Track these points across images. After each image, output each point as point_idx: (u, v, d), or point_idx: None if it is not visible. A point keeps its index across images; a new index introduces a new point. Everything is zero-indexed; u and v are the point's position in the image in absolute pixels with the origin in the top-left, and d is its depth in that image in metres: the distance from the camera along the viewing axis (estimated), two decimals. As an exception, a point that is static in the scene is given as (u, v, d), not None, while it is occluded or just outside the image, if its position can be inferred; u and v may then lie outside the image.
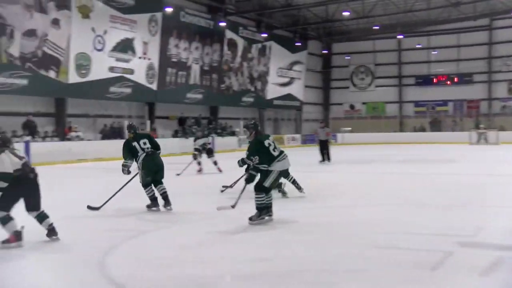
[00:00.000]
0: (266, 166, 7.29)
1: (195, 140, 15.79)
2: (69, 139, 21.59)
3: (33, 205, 6.10)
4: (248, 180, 7.52)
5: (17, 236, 5.91)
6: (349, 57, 42.29)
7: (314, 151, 20.27)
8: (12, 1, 19.62)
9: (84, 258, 5.59)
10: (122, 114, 24.76)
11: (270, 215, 7.34)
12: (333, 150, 19.00)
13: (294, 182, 9.83)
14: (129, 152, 8.41)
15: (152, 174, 8.37)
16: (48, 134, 21.36)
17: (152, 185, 8.43)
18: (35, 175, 6.10)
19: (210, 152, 15.53)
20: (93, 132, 23.85)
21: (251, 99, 34.10)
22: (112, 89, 24.12)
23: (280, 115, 38.76)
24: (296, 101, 39.25)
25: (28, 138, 19.48)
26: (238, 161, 7.52)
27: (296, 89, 38.95)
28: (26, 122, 20.47)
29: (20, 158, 6.10)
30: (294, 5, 32.41)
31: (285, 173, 8.04)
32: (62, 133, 21.83)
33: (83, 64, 22.56)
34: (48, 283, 4.83)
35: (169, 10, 26.05)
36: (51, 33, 21.06)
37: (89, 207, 8.49)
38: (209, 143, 16.11)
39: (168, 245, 6.27)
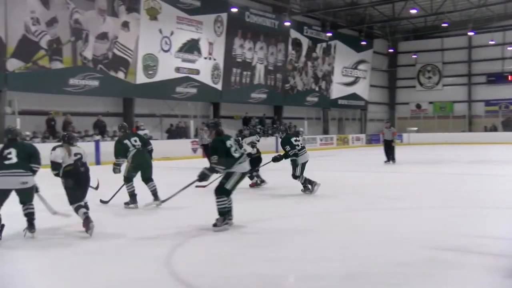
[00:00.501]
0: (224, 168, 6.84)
1: (242, 139, 15.83)
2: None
3: (79, 196, 6.74)
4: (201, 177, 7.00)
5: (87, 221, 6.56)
6: (416, 56, 41.10)
7: (378, 151, 19.86)
8: (89, 7, 20.47)
9: (151, 255, 5.60)
10: (188, 114, 25.10)
11: (230, 219, 6.96)
12: (399, 150, 18.50)
13: (304, 182, 10.22)
14: (121, 150, 8.77)
15: (142, 170, 8.80)
16: (117, 134, 21.89)
17: (145, 183, 8.82)
18: (86, 170, 6.78)
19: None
20: (160, 131, 24.33)
21: (315, 99, 33.78)
22: (178, 89, 24.53)
23: (344, 115, 38.18)
24: (361, 100, 38.56)
25: (98, 137, 20.12)
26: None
27: (361, 89, 38.28)
28: (96, 122, 21.14)
29: (75, 155, 6.75)
30: (359, 4, 31.83)
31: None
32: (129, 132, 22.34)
33: (150, 65, 23.08)
34: (117, 279, 4.86)
35: (234, 10, 26.23)
36: (121, 36, 21.70)
37: (102, 201, 9.02)
38: (257, 141, 16.08)
39: (232, 244, 6.23)
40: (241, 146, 7.42)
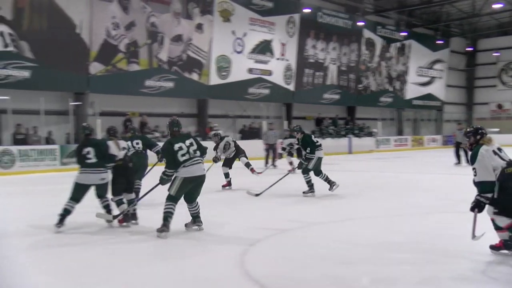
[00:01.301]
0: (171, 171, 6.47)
1: (284, 139, 15.58)
2: (210, 139, 22.25)
3: (126, 189, 7.19)
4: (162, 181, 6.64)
5: (125, 217, 6.93)
6: (497, 53, 39.03)
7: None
8: (164, 10, 20.93)
9: (222, 255, 5.56)
10: (260, 115, 25.06)
11: (199, 225, 6.68)
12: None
13: (326, 179, 10.02)
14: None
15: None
16: (191, 134, 22.18)
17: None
18: (133, 164, 7.43)
19: (298, 152, 14.57)
20: (233, 132, 24.42)
21: (389, 99, 32.85)
22: (251, 90, 24.57)
23: (419, 116, 36.86)
24: (437, 101, 37.12)
25: (173, 137, 20.39)
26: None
27: (437, 89, 36.84)
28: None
29: (122, 148, 7.35)
30: (436, 1, 30.62)
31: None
32: (203, 133, 22.61)
33: (223, 66, 23.26)
34: (190, 278, 4.81)
35: (307, 11, 25.98)
36: (195, 37, 22.01)
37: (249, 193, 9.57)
38: (296, 144, 15.61)
39: (304, 245, 6.02)
40: (201, 149, 6.60)
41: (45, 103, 16.59)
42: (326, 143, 25.89)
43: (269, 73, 25.27)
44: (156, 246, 5.99)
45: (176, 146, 6.35)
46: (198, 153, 6.48)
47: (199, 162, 6.46)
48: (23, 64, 16.96)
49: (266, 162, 17.42)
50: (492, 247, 5.20)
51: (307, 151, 9.89)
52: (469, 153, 5.37)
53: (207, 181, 6.66)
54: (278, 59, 25.65)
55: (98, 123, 17.98)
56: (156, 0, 20.64)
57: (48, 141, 17.30)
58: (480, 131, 5.28)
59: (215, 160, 11.31)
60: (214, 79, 22.93)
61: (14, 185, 12.68)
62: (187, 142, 6.43)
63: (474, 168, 5.10)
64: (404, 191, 10.99)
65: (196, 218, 6.67)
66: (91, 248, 5.87)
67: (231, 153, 11.49)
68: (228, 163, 11.47)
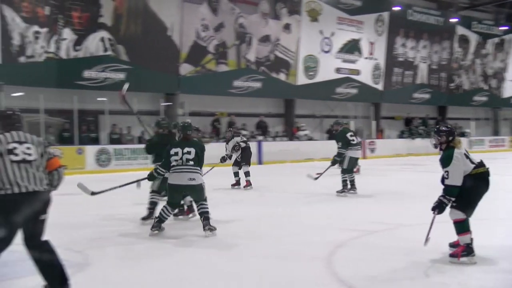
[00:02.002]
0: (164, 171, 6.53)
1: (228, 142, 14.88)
2: (297, 139, 22.10)
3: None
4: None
5: (189, 208, 7.44)
6: None
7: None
8: (252, 11, 20.99)
9: (311, 255, 5.39)
10: (348, 115, 24.48)
11: (205, 228, 6.31)
12: None
13: (346, 181, 9.84)
14: None
15: None
16: (278, 134, 22.13)
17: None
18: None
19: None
20: (320, 132, 24.06)
21: (484, 98, 30.93)
22: (339, 89, 24.07)
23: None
24: (539, 99, 34.56)
25: (260, 137, 20.44)
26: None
27: (539, 87, 34.28)
28: (258, 123, 21.52)
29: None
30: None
31: None
32: (290, 133, 22.44)
33: (311, 66, 22.94)
34: (279, 278, 4.68)
35: (396, 9, 25.05)
36: (282, 38, 21.87)
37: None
38: (240, 143, 15.02)
39: (393, 248, 5.70)
40: (199, 162, 6.40)
41: (138, 104, 17.04)
42: (416, 143, 25.06)
43: (357, 72, 24.65)
44: (247, 247, 5.84)
45: (173, 150, 6.31)
46: (191, 162, 6.29)
47: (185, 171, 6.26)
48: (119, 67, 17.59)
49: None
50: (452, 256, 4.99)
51: (338, 145, 9.81)
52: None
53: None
54: (366, 58, 24.94)
55: (232, 127, 18.26)
56: (244, 1, 20.76)
57: (141, 140, 17.82)
58: (454, 132, 5.17)
59: (222, 160, 11.23)
60: (302, 79, 22.67)
61: (111, 182, 13.04)
62: (186, 149, 6.30)
63: (447, 171, 4.93)
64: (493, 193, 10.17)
65: (201, 217, 6.40)
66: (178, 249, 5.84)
67: (238, 156, 11.41)
68: (238, 163, 11.45)
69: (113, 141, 17.10)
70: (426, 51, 27.51)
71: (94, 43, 17.11)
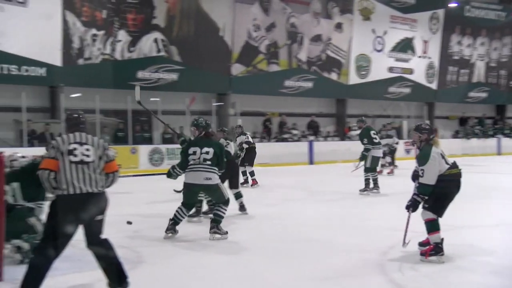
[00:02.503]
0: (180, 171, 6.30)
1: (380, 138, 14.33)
2: (349, 139, 21.66)
3: (234, 183, 7.68)
4: None
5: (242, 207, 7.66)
6: None
7: None
8: (304, 11, 20.73)
9: (361, 258, 5.21)
10: (401, 114, 23.80)
11: (212, 231, 6.08)
12: None
13: (368, 180, 9.84)
14: None
15: None
16: (330, 134, 21.77)
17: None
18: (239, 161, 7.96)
19: (392, 153, 14.56)
20: (372, 131, 23.49)
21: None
22: (391, 89, 23.49)
23: None
24: None
25: (311, 137, 20.16)
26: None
27: None
28: (310, 123, 21.24)
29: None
30: None
31: None
32: (342, 133, 22.04)
33: (363, 66, 22.48)
34: (326, 279, 4.54)
35: (452, 5, 24.16)
36: (334, 37, 21.51)
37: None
38: (395, 144, 14.84)
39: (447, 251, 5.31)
40: (218, 163, 6.11)
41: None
42: (471, 143, 24.12)
43: (410, 71, 23.97)
44: (295, 250, 5.61)
45: (191, 150, 6.10)
46: (209, 162, 6.03)
47: (202, 170, 6.01)
48: (172, 67, 17.74)
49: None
50: (422, 254, 4.97)
51: (364, 142, 9.92)
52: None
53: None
54: (419, 57, 24.21)
55: (239, 122, 18.23)
56: (296, 0, 20.53)
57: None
58: (434, 130, 5.17)
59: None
60: (354, 79, 22.24)
61: (164, 181, 13.13)
62: (205, 149, 6.05)
63: (422, 169, 4.87)
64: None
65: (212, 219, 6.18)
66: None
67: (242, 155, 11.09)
68: (242, 162, 11.06)
69: (165, 141, 17.24)
70: (484, 48, 26.42)
71: (148, 44, 17.33)
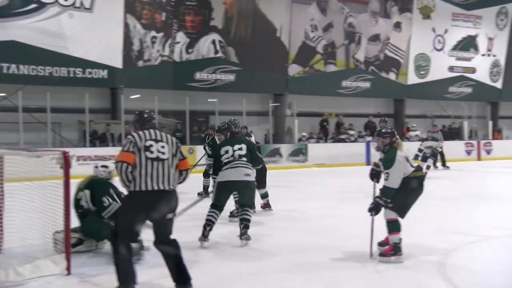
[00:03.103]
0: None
1: (422, 141, 13.52)
2: (407, 139, 20.94)
3: (260, 183, 7.17)
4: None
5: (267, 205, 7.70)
6: None
7: None
8: (362, 10, 20.21)
9: (424, 260, 4.95)
10: (461, 115, 22.80)
11: (246, 238, 5.57)
12: None
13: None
14: None
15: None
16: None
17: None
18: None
19: (434, 156, 13.38)
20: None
21: None
22: (451, 89, 22.56)
23: None
24: None
25: (369, 138, 19.57)
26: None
27: None
28: (367, 123, 20.64)
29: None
30: None
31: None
32: (400, 133, 21.30)
33: (422, 65, 21.70)
34: (391, 281, 4.38)
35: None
36: (392, 36, 20.86)
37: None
38: (439, 148, 13.66)
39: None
40: (253, 159, 5.71)
41: (246, 104, 17.00)
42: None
43: (472, 70, 22.91)
44: (361, 248, 5.27)
45: (223, 149, 5.67)
46: (244, 158, 5.62)
47: (241, 166, 5.58)
48: (229, 68, 17.64)
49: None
50: (382, 254, 4.89)
51: None
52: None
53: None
54: (483, 55, 23.08)
55: (296, 123, 17.97)
56: (354, 0, 20.01)
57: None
58: (396, 133, 5.10)
59: None
60: (412, 78, 21.49)
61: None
62: (236, 146, 5.66)
63: (387, 173, 4.81)
64: None
65: (241, 224, 5.64)
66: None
67: None
68: None
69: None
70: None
71: (206, 46, 17.29)
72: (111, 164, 5.26)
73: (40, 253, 4.67)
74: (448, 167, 15.38)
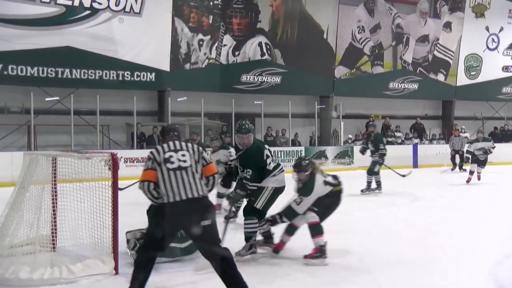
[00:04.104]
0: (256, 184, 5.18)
1: (471, 143, 12.84)
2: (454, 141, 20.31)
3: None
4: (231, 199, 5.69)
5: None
6: None
7: None
8: (410, 11, 19.81)
9: (474, 265, 4.95)
10: (515, 117, 22.04)
11: (271, 245, 5.38)
12: None
13: None
14: None
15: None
16: (435, 137, 20.54)
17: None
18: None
19: (481, 163, 12.26)
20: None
21: None
22: (505, 89, 21.78)
23: None
24: None
25: (416, 140, 19.15)
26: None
27: None
28: (414, 125, 20.20)
29: None
30: None
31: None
32: (448, 135, 20.72)
33: (473, 66, 21.04)
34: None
35: None
36: (442, 37, 20.35)
37: None
38: (492, 148, 12.42)
39: None
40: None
41: (292, 106, 16.93)
42: None
43: (529, 69, 22.06)
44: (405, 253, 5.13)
45: (266, 153, 5.20)
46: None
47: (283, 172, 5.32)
48: (275, 70, 17.60)
49: (453, 165, 16.30)
50: (306, 256, 4.98)
51: (381, 146, 10.49)
52: None
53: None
54: (541, 53, 22.18)
55: (341, 125, 17.76)
56: (402, 1, 19.61)
57: (294, 142, 17.66)
58: (312, 161, 5.22)
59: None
60: (462, 79, 20.88)
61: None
62: (268, 149, 5.30)
63: (301, 199, 4.98)
64: None
65: (270, 238, 5.45)
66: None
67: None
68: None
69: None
70: None
71: (252, 48, 17.31)
72: None
73: (89, 252, 4.80)
74: (465, 170, 14.71)
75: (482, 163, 12.19)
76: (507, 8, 21.18)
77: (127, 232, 5.06)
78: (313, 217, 4.97)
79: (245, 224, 5.20)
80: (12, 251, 4.79)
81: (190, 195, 3.72)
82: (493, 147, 12.77)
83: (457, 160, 16.29)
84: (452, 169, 16.17)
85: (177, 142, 3.94)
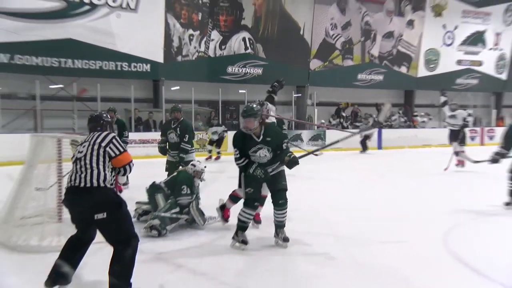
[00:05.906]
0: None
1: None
2: (415, 127, 20.65)
3: None
4: None
5: None
6: None
7: None
8: (378, 10, 19.82)
9: (428, 234, 5.15)
10: (467, 104, 22.29)
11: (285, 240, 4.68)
12: None
13: None
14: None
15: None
16: (397, 123, 20.78)
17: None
18: None
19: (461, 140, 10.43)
20: (438, 121, 22.22)
21: None
22: (458, 80, 22.02)
23: None
24: None
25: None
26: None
27: None
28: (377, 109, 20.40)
29: None
30: None
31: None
32: (410, 121, 21.01)
33: (432, 59, 21.22)
34: (392, 253, 4.46)
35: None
36: (405, 33, 20.43)
37: None
38: (465, 119, 10.55)
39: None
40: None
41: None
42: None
43: (479, 63, 22.30)
44: (374, 232, 5.20)
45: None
46: None
47: None
48: (257, 63, 17.61)
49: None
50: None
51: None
52: None
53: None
54: (490, 49, 22.42)
55: (315, 112, 17.91)
56: (371, 0, 19.65)
57: (275, 126, 17.73)
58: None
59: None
60: (422, 72, 21.04)
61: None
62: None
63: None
64: None
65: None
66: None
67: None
68: None
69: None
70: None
71: (237, 43, 17.27)
72: (198, 164, 5.67)
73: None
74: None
75: (461, 140, 10.36)
76: (461, 9, 21.33)
77: (136, 202, 5.56)
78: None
79: (243, 212, 4.63)
80: (23, 222, 4.83)
81: (79, 183, 3.32)
82: (470, 115, 11.11)
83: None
84: None
85: (92, 134, 3.59)
